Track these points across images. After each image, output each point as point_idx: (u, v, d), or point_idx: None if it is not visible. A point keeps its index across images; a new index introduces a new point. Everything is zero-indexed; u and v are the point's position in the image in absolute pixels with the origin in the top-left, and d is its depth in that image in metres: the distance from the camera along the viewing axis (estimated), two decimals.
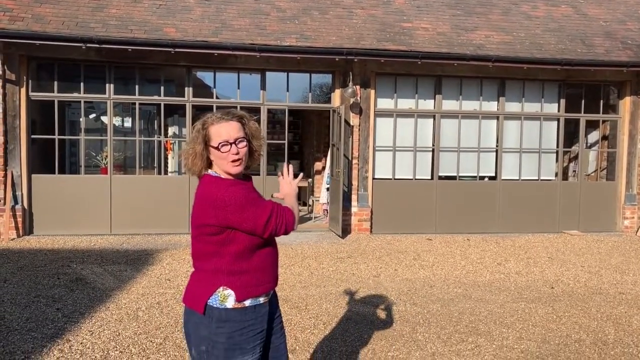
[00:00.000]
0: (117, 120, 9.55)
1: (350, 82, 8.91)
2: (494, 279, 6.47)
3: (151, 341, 4.19)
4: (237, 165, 2.20)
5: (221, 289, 2.15)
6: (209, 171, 2.25)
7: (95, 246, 7.76)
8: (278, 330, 2.41)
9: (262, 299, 2.23)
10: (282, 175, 2.44)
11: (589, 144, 11.13)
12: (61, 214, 8.48)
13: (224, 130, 2.18)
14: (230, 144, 2.17)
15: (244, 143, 2.21)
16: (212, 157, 2.22)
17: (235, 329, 2.15)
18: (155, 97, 8.99)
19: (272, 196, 2.55)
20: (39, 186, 8.48)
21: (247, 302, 2.18)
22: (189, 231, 2.30)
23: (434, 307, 5.23)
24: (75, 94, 8.70)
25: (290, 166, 2.47)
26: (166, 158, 9.91)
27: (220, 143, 2.17)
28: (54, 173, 8.57)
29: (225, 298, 2.15)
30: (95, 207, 8.60)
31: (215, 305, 2.15)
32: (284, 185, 2.42)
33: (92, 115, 9.75)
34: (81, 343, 4.13)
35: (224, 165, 2.19)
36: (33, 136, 8.50)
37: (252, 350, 2.19)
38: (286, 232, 2.21)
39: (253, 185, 2.34)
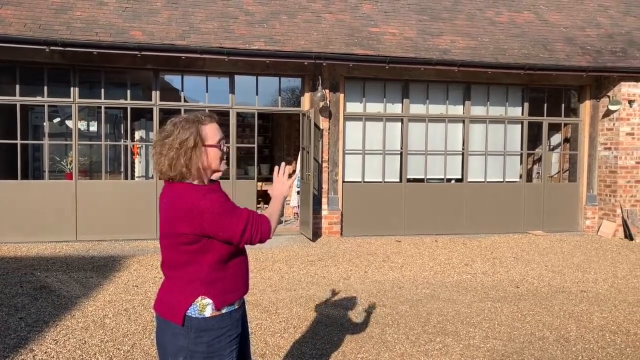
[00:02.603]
0: (82, 125, 9.37)
1: (320, 86, 8.96)
2: (461, 279, 6.59)
3: (118, 349, 4.13)
4: (226, 163, 2.30)
5: (200, 298, 2.14)
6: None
7: (60, 253, 7.58)
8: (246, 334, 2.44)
9: (236, 305, 2.25)
10: (277, 173, 2.43)
11: (551, 147, 11.45)
12: (25, 221, 8.27)
13: (217, 130, 2.25)
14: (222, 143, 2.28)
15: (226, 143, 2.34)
16: (204, 157, 2.18)
17: (214, 336, 2.15)
18: (122, 101, 8.85)
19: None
20: (1, 192, 8.24)
21: (224, 309, 2.19)
22: (157, 237, 2.25)
23: (402, 308, 5.29)
24: (39, 98, 8.50)
25: (285, 165, 2.48)
26: (133, 162, 9.77)
27: (219, 140, 2.23)
28: (17, 179, 8.34)
29: (204, 307, 2.14)
30: (60, 213, 8.41)
31: (194, 316, 2.13)
32: (276, 184, 2.41)
33: (56, 120, 9.54)
34: (45, 352, 4.04)
35: (216, 164, 2.22)
36: None
37: (229, 356, 2.20)
38: (261, 241, 2.22)
39: (221, 188, 2.33)
